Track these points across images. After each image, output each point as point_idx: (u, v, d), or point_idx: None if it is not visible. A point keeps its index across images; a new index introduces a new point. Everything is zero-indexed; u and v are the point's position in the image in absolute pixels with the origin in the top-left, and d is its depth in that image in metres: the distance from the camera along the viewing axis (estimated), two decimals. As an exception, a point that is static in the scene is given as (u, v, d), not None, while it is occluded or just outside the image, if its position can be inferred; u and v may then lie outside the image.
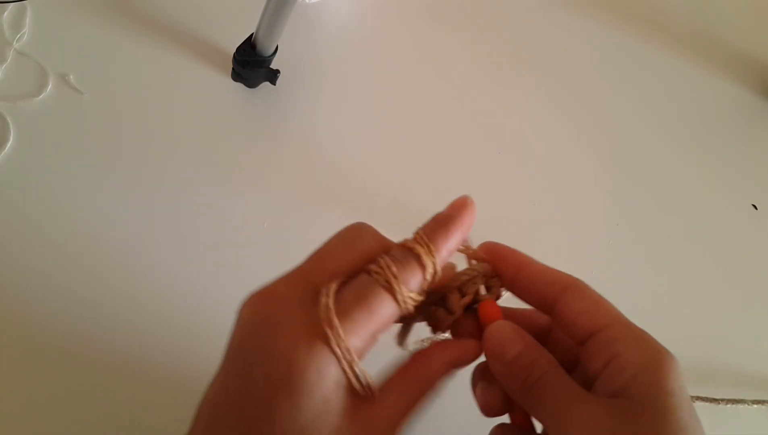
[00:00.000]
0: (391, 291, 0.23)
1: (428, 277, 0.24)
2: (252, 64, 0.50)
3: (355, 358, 0.22)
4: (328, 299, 0.22)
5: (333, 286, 0.23)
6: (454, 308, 0.27)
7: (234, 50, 0.50)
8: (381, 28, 0.58)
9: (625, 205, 0.52)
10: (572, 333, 0.26)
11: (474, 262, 0.28)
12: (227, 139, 0.51)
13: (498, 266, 0.28)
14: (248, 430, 0.21)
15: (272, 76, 0.51)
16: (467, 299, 0.27)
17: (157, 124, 0.50)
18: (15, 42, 0.52)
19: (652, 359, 0.23)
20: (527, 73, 0.57)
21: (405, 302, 0.24)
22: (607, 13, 0.61)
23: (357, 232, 0.26)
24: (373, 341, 0.24)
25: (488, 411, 0.28)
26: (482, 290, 0.27)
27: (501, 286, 0.28)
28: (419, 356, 0.26)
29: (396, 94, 0.55)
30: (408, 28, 0.58)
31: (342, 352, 0.22)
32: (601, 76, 0.58)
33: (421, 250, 0.24)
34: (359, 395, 0.23)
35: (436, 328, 0.28)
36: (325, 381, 0.21)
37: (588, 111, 0.56)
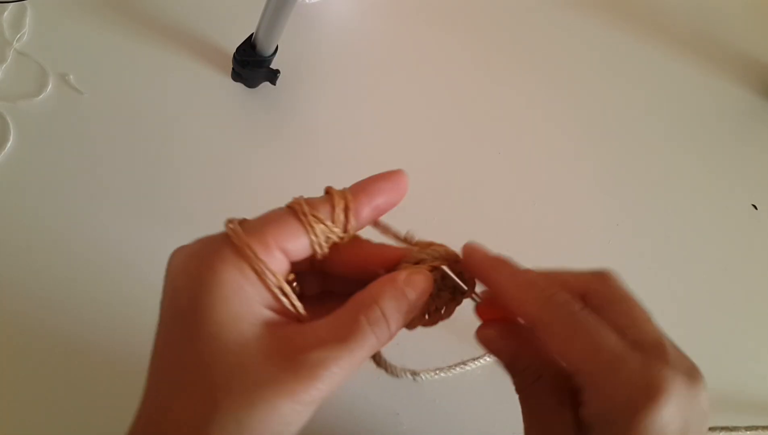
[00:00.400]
0: (296, 214, 0.24)
1: (338, 212, 0.25)
2: (252, 64, 0.50)
3: (267, 266, 0.22)
4: (235, 223, 0.23)
5: (237, 218, 0.24)
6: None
7: (234, 50, 0.49)
8: (381, 28, 0.58)
9: (625, 205, 0.52)
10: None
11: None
12: (227, 139, 0.51)
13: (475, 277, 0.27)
14: (179, 337, 0.22)
15: (272, 76, 0.51)
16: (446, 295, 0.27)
17: (156, 123, 0.50)
18: (15, 42, 0.52)
19: (622, 408, 0.21)
20: (527, 73, 0.57)
21: (310, 224, 0.24)
22: (607, 13, 0.61)
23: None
24: (286, 261, 0.23)
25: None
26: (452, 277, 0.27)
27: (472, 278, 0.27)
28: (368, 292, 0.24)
29: (396, 93, 0.55)
30: (408, 28, 0.58)
31: (254, 258, 0.22)
32: (601, 76, 0.58)
33: (333, 191, 0.25)
34: (288, 315, 0.23)
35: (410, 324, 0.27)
36: (243, 288, 0.22)
37: (588, 111, 0.56)
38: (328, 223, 0.24)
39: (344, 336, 0.22)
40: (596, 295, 0.25)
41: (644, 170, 0.54)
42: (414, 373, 0.28)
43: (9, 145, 0.48)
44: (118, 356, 0.41)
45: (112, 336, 0.42)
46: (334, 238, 0.25)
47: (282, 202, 0.53)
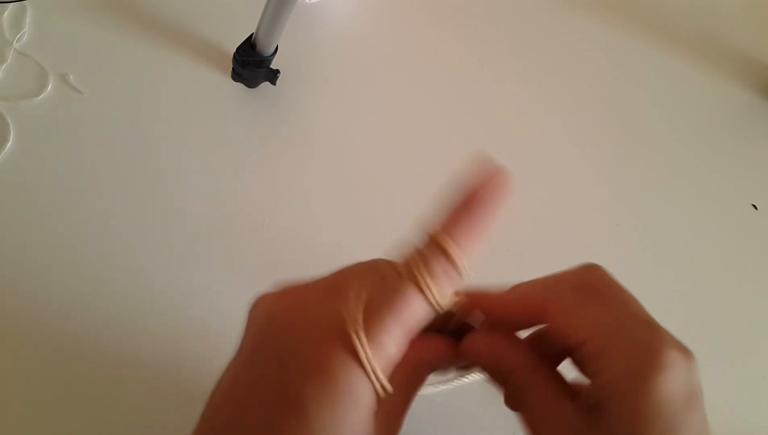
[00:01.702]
0: (419, 286, 0.22)
1: (460, 271, 0.23)
2: (252, 64, 0.50)
3: (379, 371, 0.21)
4: (357, 301, 0.21)
5: (357, 287, 0.22)
6: None
7: (234, 50, 0.49)
8: (381, 28, 0.58)
9: (625, 206, 0.52)
10: (563, 347, 0.25)
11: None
12: (227, 139, 0.51)
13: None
14: (280, 426, 0.20)
15: (272, 76, 0.51)
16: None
17: (156, 123, 0.50)
18: (15, 42, 0.52)
19: (630, 374, 0.21)
20: (527, 73, 0.57)
21: (434, 297, 0.22)
22: (607, 14, 0.61)
23: (376, 262, 0.24)
24: (407, 341, 0.23)
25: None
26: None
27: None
28: (413, 348, 0.24)
29: (396, 93, 0.55)
30: (408, 27, 0.58)
31: (370, 366, 0.21)
32: (602, 76, 0.58)
33: (442, 241, 0.23)
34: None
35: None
36: (357, 392, 0.21)
37: (588, 111, 0.56)
38: (451, 294, 0.23)
39: (408, 401, 0.23)
40: (590, 285, 0.25)
41: (644, 170, 0.54)
42: None
43: (9, 145, 0.48)
44: (118, 357, 0.41)
45: (112, 336, 0.42)
46: (445, 303, 0.23)
47: (282, 201, 0.53)
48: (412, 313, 0.22)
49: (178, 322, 0.43)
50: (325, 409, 0.20)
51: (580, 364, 0.24)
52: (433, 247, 0.23)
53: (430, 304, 0.23)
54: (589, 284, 0.25)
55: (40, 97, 0.50)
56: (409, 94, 0.55)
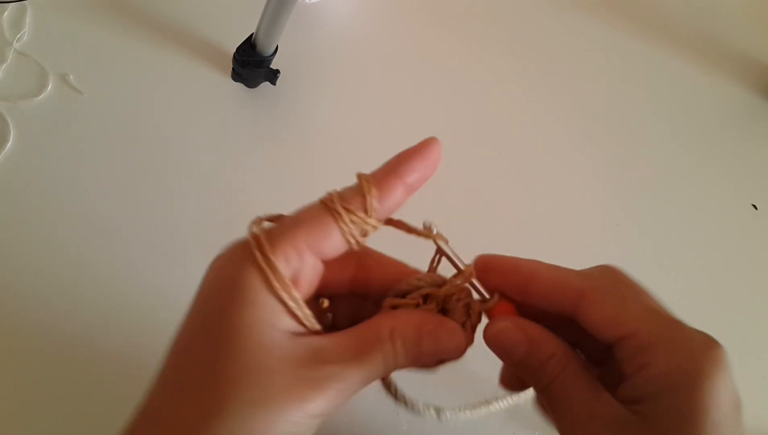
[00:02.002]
0: (327, 206, 0.23)
1: (370, 200, 0.24)
2: (252, 64, 0.50)
3: (285, 282, 0.22)
4: (260, 228, 0.23)
5: (272, 215, 0.24)
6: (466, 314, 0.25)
7: (234, 50, 0.49)
8: (381, 28, 0.58)
9: (625, 206, 0.52)
10: (599, 339, 0.24)
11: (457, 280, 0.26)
12: (227, 139, 0.51)
13: (500, 283, 0.26)
14: (200, 339, 0.22)
15: (272, 76, 0.51)
16: (475, 319, 0.26)
17: (156, 123, 0.50)
18: (15, 42, 0.52)
19: (686, 371, 0.21)
20: (527, 73, 0.57)
21: (342, 218, 0.23)
22: (607, 14, 0.61)
23: None
24: (315, 258, 0.23)
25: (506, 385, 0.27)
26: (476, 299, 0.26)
27: (492, 293, 0.26)
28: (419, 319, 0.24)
29: (396, 93, 0.55)
30: (408, 28, 0.58)
31: (273, 278, 0.22)
32: (602, 76, 0.58)
33: (362, 177, 0.25)
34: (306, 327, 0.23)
35: None
36: (268, 296, 0.22)
37: (588, 111, 0.56)
38: (361, 214, 0.23)
39: (359, 356, 0.22)
40: (624, 282, 0.25)
41: (644, 170, 0.54)
42: (438, 410, 0.27)
43: (9, 145, 0.48)
44: (118, 356, 0.41)
45: (110, 335, 0.42)
46: (370, 229, 0.24)
47: (282, 200, 0.53)
48: (321, 231, 0.23)
49: (177, 321, 0.43)
50: (230, 314, 0.21)
51: (621, 357, 0.23)
52: (355, 187, 0.24)
53: (339, 226, 0.23)
54: (623, 281, 0.25)
55: (40, 97, 0.50)
56: (409, 94, 0.55)
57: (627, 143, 0.55)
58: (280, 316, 0.22)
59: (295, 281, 0.22)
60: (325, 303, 0.25)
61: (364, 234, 0.24)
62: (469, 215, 0.49)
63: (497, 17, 0.60)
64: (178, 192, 0.48)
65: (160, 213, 0.47)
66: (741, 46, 0.61)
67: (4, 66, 0.51)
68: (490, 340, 0.24)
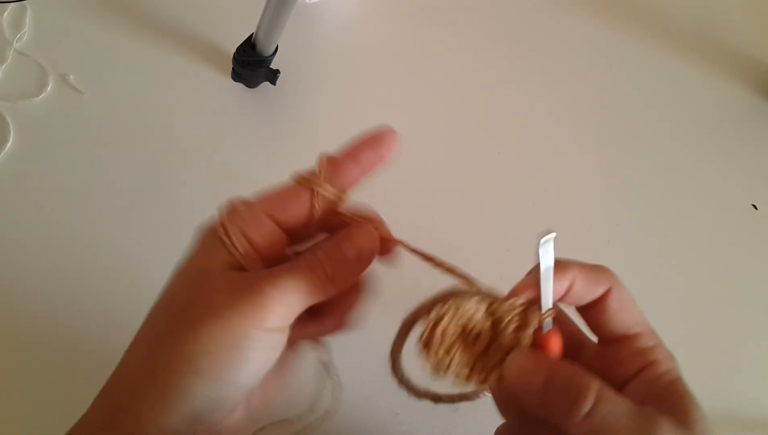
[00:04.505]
0: (292, 181, 0.27)
1: (321, 169, 0.27)
2: (252, 64, 0.50)
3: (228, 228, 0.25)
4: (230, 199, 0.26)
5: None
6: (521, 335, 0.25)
7: (234, 50, 0.49)
8: (381, 28, 0.58)
9: (624, 205, 0.52)
10: (602, 332, 0.26)
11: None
12: (227, 139, 0.51)
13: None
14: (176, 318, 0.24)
15: (272, 76, 0.51)
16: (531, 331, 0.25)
17: (156, 123, 0.50)
18: (15, 42, 0.52)
19: (675, 369, 0.24)
20: (527, 73, 0.57)
21: (303, 177, 0.27)
22: (607, 14, 0.61)
23: None
24: (274, 227, 0.26)
25: None
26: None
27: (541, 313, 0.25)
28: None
29: (396, 93, 0.55)
30: (408, 28, 0.58)
31: (219, 226, 0.25)
32: (602, 76, 0.58)
33: (321, 155, 0.28)
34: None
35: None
36: (217, 248, 0.25)
37: (588, 111, 0.56)
38: (324, 184, 0.26)
39: (288, 266, 0.24)
40: (621, 285, 0.27)
41: (644, 170, 0.54)
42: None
43: (9, 145, 0.48)
44: (118, 354, 0.41)
45: (112, 334, 0.42)
46: (329, 197, 0.26)
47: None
48: (279, 199, 0.27)
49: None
50: (188, 266, 0.26)
51: (623, 357, 0.25)
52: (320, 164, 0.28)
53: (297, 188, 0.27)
54: (620, 284, 0.27)
55: (40, 97, 0.50)
56: (409, 94, 0.55)
57: (627, 143, 0.55)
58: (223, 260, 0.25)
59: (250, 239, 0.25)
60: (290, 252, 0.27)
61: (325, 204, 0.27)
62: (469, 214, 0.49)
63: (497, 17, 0.60)
64: (178, 191, 0.48)
65: (160, 213, 0.47)
66: (741, 46, 0.61)
67: (4, 66, 0.51)
68: (512, 373, 0.24)
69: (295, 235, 0.27)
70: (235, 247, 0.25)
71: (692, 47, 0.61)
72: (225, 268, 0.24)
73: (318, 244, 0.26)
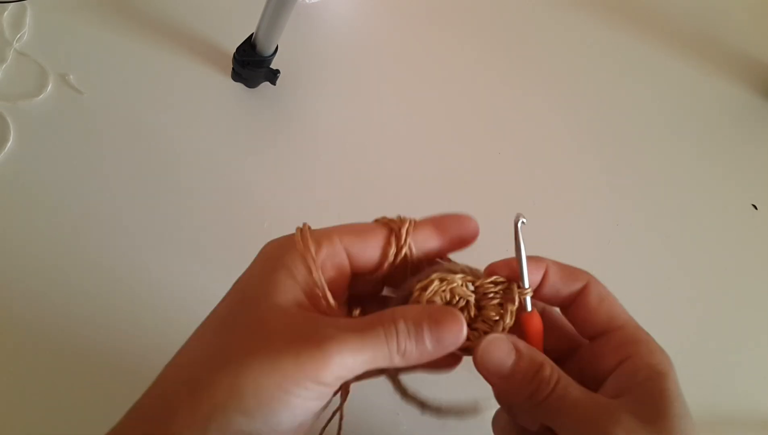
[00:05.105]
0: (382, 224, 0.26)
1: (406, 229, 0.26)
2: (252, 64, 0.50)
3: (313, 260, 0.24)
4: (305, 225, 0.25)
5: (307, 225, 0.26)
6: (499, 317, 0.26)
7: (234, 50, 0.50)
8: (381, 28, 0.58)
9: (624, 205, 0.52)
10: (585, 329, 0.26)
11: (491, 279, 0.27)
12: (227, 139, 0.51)
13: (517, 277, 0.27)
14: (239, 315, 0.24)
15: (272, 76, 0.51)
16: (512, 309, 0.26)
17: (156, 123, 0.50)
18: (15, 42, 0.52)
19: (661, 364, 0.24)
20: (526, 74, 0.57)
21: (397, 235, 0.26)
22: (608, 14, 0.61)
23: None
24: (346, 261, 0.25)
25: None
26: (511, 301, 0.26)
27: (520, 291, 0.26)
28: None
29: (396, 94, 0.55)
30: (408, 28, 0.58)
31: (303, 248, 0.24)
32: (602, 76, 0.58)
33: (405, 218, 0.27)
34: (321, 310, 0.24)
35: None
36: (292, 272, 0.24)
37: (588, 111, 0.56)
38: (410, 240, 0.26)
39: (360, 329, 0.23)
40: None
41: (644, 170, 0.54)
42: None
43: (9, 145, 0.48)
44: (118, 355, 0.41)
45: (112, 335, 0.42)
46: (404, 249, 0.26)
47: (282, 200, 0.53)
48: (359, 238, 0.25)
49: (178, 319, 0.43)
50: (259, 282, 0.25)
51: (603, 352, 0.25)
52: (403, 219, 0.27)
53: (388, 234, 0.26)
54: (598, 281, 0.27)
55: (40, 97, 0.50)
56: (409, 94, 0.55)
57: (627, 143, 0.55)
58: (297, 291, 0.24)
59: (322, 267, 0.24)
60: (356, 312, 0.25)
61: (397, 258, 0.26)
62: (469, 214, 0.49)
63: (497, 17, 0.60)
64: (178, 192, 0.48)
65: (160, 213, 0.47)
66: (741, 46, 0.61)
67: (4, 66, 0.51)
68: (480, 356, 0.25)
69: (358, 277, 0.26)
70: (315, 284, 0.24)
71: (692, 47, 0.61)
72: (293, 303, 0.23)
73: (399, 310, 0.24)
